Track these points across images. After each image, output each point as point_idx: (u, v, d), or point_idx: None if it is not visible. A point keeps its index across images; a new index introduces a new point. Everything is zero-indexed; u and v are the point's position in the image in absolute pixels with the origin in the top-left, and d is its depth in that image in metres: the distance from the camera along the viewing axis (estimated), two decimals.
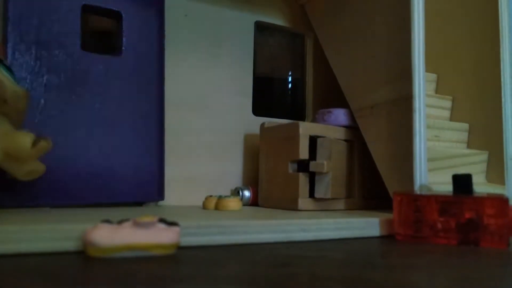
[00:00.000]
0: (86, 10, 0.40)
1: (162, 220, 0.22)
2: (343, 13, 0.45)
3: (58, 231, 0.22)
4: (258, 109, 0.50)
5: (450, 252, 0.26)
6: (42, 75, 0.37)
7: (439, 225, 0.30)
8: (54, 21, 0.38)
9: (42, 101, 0.37)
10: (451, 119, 0.47)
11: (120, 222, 0.22)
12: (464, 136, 0.45)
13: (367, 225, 0.31)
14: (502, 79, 0.44)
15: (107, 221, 0.22)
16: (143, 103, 0.41)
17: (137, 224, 0.21)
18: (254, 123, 0.48)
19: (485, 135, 0.44)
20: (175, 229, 0.22)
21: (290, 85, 0.56)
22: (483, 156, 0.44)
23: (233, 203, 0.38)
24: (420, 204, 0.30)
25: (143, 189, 0.41)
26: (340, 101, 0.44)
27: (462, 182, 0.30)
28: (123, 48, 0.41)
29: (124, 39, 0.41)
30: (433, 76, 0.49)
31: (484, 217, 0.29)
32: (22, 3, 0.37)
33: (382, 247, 0.28)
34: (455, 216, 0.29)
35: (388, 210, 0.36)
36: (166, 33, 0.43)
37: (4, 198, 0.35)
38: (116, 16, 0.41)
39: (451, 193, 0.30)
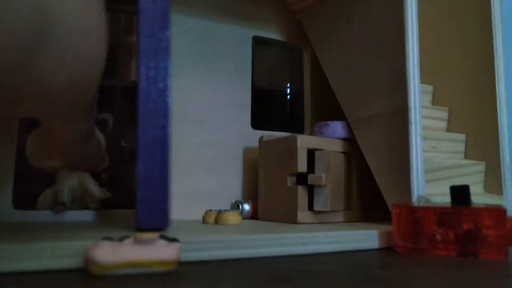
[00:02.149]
0: None
1: (163, 237, 0.23)
2: (339, 27, 0.46)
3: (59, 248, 0.22)
4: (257, 123, 0.50)
5: (450, 263, 0.27)
6: None
7: (438, 237, 0.30)
8: None
9: None
10: (448, 130, 0.47)
11: (121, 239, 0.22)
12: (461, 146, 0.46)
13: (366, 238, 0.32)
14: (497, 90, 0.44)
15: (108, 238, 0.22)
16: None
17: (138, 241, 0.22)
18: (253, 136, 0.48)
19: (482, 145, 0.45)
20: (176, 245, 0.22)
21: (288, 98, 0.57)
22: (480, 166, 0.44)
23: (233, 217, 0.38)
24: (418, 216, 0.31)
25: None
26: (339, 113, 0.45)
27: (460, 193, 0.31)
28: None
29: None
30: (429, 88, 0.49)
31: (482, 228, 0.29)
32: None
33: (381, 259, 0.28)
34: (454, 228, 0.30)
35: (387, 222, 0.36)
36: None
37: None
38: None
39: (449, 205, 0.31)
